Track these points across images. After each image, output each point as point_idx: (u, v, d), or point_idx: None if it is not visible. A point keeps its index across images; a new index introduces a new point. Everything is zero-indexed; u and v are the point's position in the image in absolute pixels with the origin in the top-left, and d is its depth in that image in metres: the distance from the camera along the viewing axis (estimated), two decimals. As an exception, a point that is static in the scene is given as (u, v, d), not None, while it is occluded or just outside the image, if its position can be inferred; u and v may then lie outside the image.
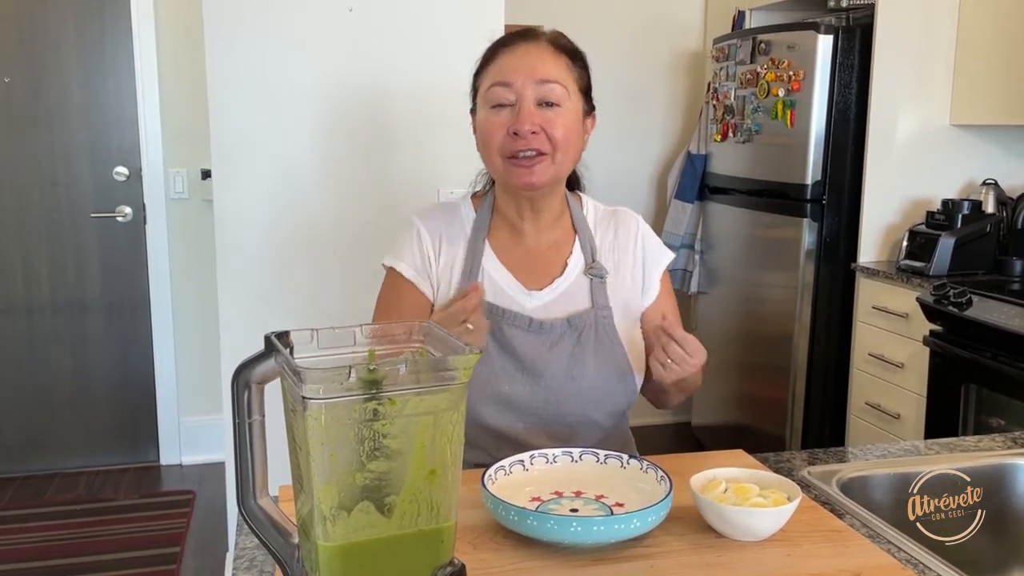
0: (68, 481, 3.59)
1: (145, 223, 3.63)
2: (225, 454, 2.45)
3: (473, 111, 1.42)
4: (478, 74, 1.39)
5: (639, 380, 1.43)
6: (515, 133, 1.31)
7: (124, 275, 3.66)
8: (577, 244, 1.44)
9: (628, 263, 1.45)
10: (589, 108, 1.41)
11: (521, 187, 1.35)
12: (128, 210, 3.62)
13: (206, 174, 3.53)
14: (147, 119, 3.57)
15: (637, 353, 1.42)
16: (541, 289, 1.40)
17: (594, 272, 1.41)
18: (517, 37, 1.36)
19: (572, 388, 1.35)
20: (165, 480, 3.64)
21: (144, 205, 3.62)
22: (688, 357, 1.28)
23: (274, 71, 2.20)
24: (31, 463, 3.66)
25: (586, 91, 1.40)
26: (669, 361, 1.28)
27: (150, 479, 3.64)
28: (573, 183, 1.50)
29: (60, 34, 3.47)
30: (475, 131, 1.41)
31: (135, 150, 3.59)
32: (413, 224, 1.45)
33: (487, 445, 1.36)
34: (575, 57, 1.38)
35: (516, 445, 1.34)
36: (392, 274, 1.44)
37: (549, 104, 1.32)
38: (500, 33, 2.27)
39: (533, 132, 1.31)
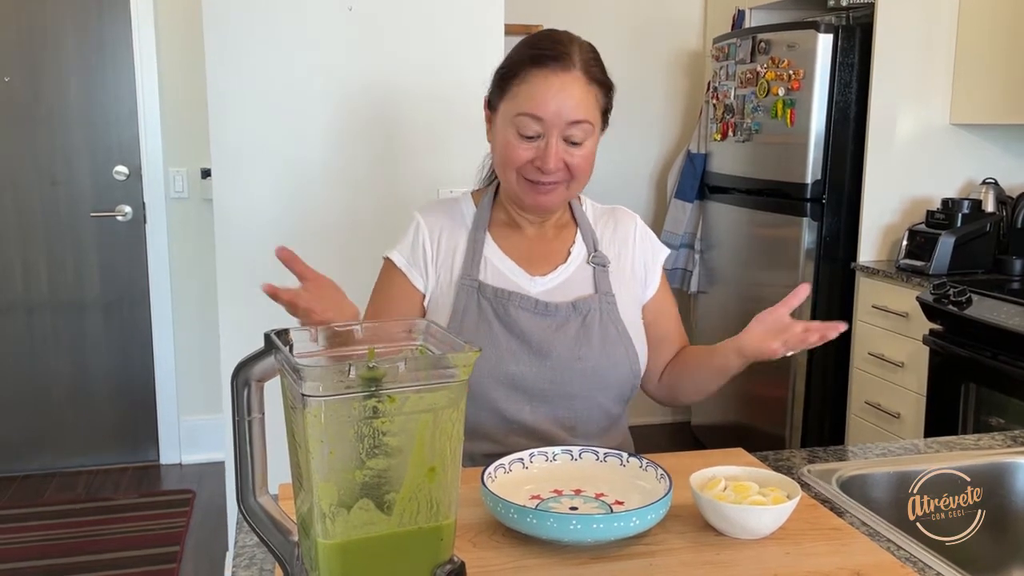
0: (67, 480, 3.59)
1: (145, 222, 3.63)
2: (225, 453, 2.45)
3: (489, 104, 1.40)
4: (505, 81, 1.35)
5: (643, 365, 1.44)
6: (538, 167, 1.32)
7: (124, 274, 3.66)
8: (579, 235, 1.47)
9: (628, 256, 1.48)
10: (605, 124, 1.41)
11: (532, 208, 1.39)
12: (128, 209, 3.61)
13: (206, 173, 3.53)
14: (147, 118, 3.57)
15: (640, 340, 1.45)
16: (545, 275, 1.42)
17: (597, 261, 1.44)
18: (551, 60, 1.31)
19: (578, 368, 1.37)
20: (165, 479, 3.64)
21: (144, 204, 3.62)
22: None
23: (274, 70, 2.20)
24: (30, 462, 3.66)
25: (606, 112, 1.39)
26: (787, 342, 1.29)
27: (150, 478, 3.64)
28: None
29: (60, 33, 3.47)
30: (489, 130, 1.41)
31: (135, 149, 3.59)
32: (413, 218, 1.47)
33: (495, 432, 1.37)
34: (604, 85, 1.36)
35: (524, 431, 1.36)
36: (387, 263, 1.47)
37: (575, 142, 1.33)
38: (500, 37, 2.29)
39: (557, 169, 1.33)
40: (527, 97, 1.32)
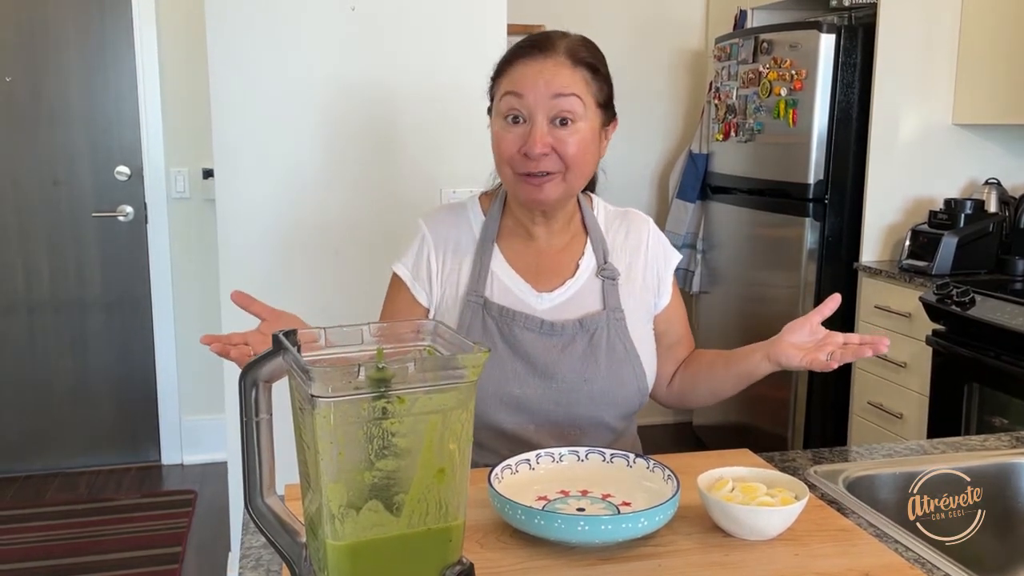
0: (69, 480, 3.58)
1: (146, 222, 3.63)
2: (227, 453, 2.45)
3: (490, 111, 1.39)
4: (495, 79, 1.36)
5: (650, 382, 1.42)
6: (525, 154, 1.28)
7: (125, 274, 3.66)
8: (589, 246, 1.42)
9: (640, 265, 1.44)
10: (609, 117, 1.37)
11: (530, 203, 1.34)
12: (129, 209, 3.61)
13: (207, 173, 3.53)
14: (148, 118, 3.56)
15: (649, 355, 1.41)
16: (552, 291, 1.39)
17: (606, 274, 1.40)
18: (534, 48, 1.31)
19: (584, 390, 1.34)
20: (166, 480, 3.64)
21: (145, 204, 3.62)
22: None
23: (276, 70, 2.20)
24: (31, 462, 3.66)
25: (606, 102, 1.35)
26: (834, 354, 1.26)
27: (151, 479, 3.64)
28: (587, 185, 1.48)
29: (61, 33, 3.47)
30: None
31: (136, 149, 3.58)
32: (419, 229, 1.44)
33: (498, 447, 1.35)
34: (595, 70, 1.32)
35: (527, 447, 1.33)
36: (393, 277, 1.45)
37: (563, 122, 1.28)
38: (502, 37, 2.29)
39: (544, 154, 1.28)
40: (510, 81, 1.31)
